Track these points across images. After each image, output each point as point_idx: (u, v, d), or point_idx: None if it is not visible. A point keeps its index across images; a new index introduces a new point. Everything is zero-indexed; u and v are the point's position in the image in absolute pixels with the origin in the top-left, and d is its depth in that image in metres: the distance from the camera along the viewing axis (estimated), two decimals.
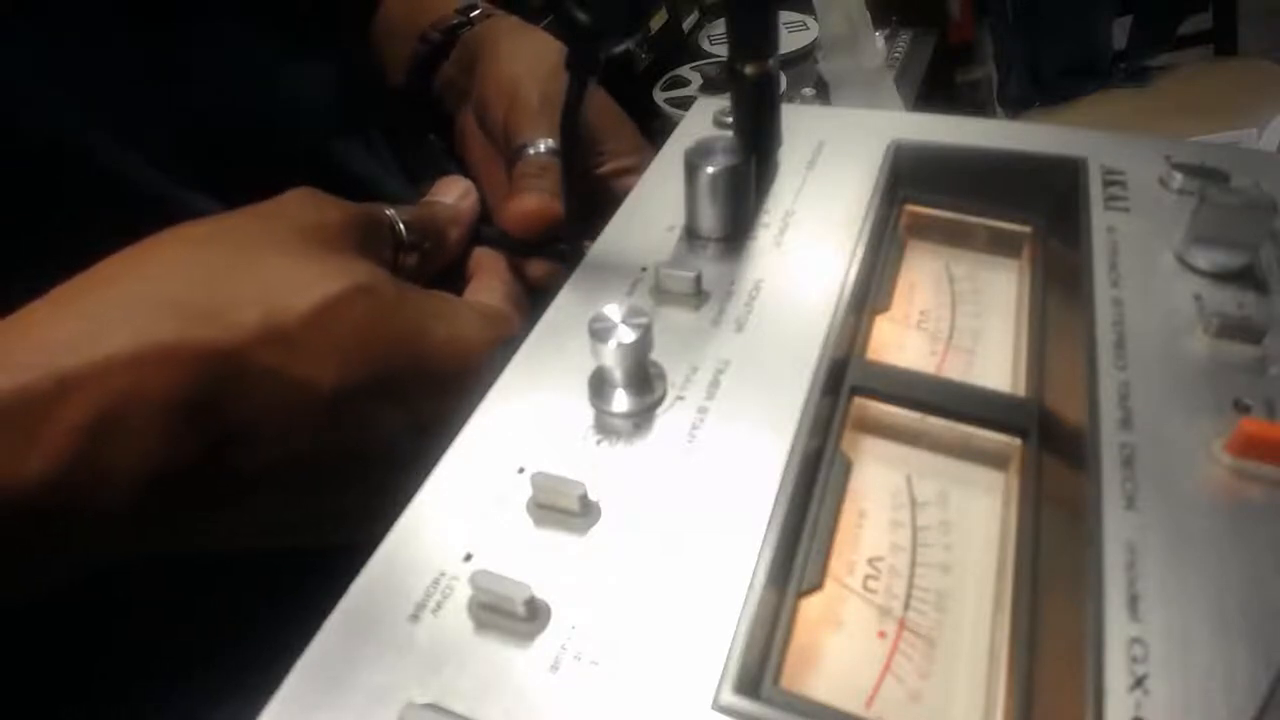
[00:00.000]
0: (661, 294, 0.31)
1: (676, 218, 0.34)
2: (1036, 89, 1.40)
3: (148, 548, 0.19)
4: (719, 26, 1.15)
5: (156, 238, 0.20)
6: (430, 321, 0.23)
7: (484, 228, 0.33)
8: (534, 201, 0.32)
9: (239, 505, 0.20)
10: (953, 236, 0.37)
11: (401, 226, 0.26)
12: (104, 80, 0.28)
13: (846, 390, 0.29)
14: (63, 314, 0.18)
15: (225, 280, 0.19)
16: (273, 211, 0.23)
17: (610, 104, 0.40)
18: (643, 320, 0.26)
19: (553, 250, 0.33)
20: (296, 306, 0.19)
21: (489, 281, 0.29)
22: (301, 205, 0.23)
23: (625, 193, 0.33)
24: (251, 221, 0.22)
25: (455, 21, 0.42)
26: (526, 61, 0.38)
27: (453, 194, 0.31)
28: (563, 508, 0.24)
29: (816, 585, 0.24)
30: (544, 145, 0.35)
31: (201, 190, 0.30)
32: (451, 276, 0.30)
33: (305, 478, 0.21)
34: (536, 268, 0.33)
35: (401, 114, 0.44)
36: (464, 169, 0.40)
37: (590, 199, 0.40)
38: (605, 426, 0.26)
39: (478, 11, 0.42)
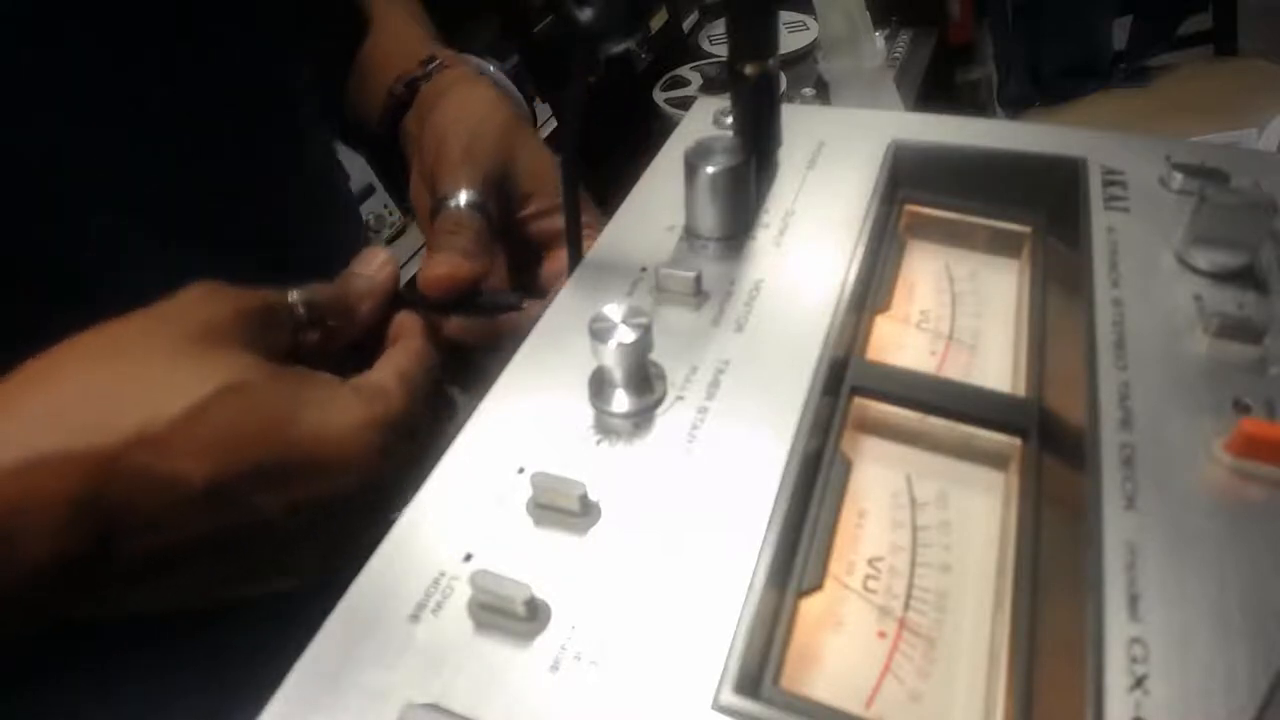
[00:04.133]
0: (661, 294, 0.31)
1: (676, 218, 0.34)
2: (1036, 89, 1.40)
3: (55, 620, 0.22)
4: (719, 26, 1.15)
5: (55, 355, 0.23)
6: (301, 410, 0.25)
7: (404, 290, 0.34)
8: (444, 266, 0.33)
9: (137, 584, 0.23)
10: (953, 236, 0.37)
11: (301, 308, 0.29)
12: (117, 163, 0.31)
13: (846, 390, 0.29)
14: None
15: (109, 391, 0.22)
16: (166, 314, 0.25)
17: (542, 151, 0.41)
18: (643, 320, 0.26)
19: (472, 305, 0.33)
20: (168, 410, 0.22)
21: (392, 353, 0.30)
22: (194, 305, 0.26)
23: (542, 237, 0.33)
24: (144, 328, 0.25)
25: (416, 74, 0.43)
26: (456, 113, 0.39)
27: (371, 266, 0.33)
28: (563, 508, 0.24)
29: (816, 585, 0.24)
30: (462, 198, 0.36)
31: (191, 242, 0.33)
32: (372, 344, 0.32)
33: (196, 557, 0.23)
34: (453, 326, 0.34)
35: (383, 158, 0.46)
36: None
37: (523, 247, 0.40)
38: (605, 426, 0.26)
39: (435, 63, 0.44)
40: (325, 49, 0.48)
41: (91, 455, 0.21)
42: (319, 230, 0.44)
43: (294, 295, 0.29)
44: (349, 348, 0.31)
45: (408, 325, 0.33)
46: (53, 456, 0.21)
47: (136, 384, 0.22)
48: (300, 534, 0.21)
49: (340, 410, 0.25)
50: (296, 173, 0.44)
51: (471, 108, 0.39)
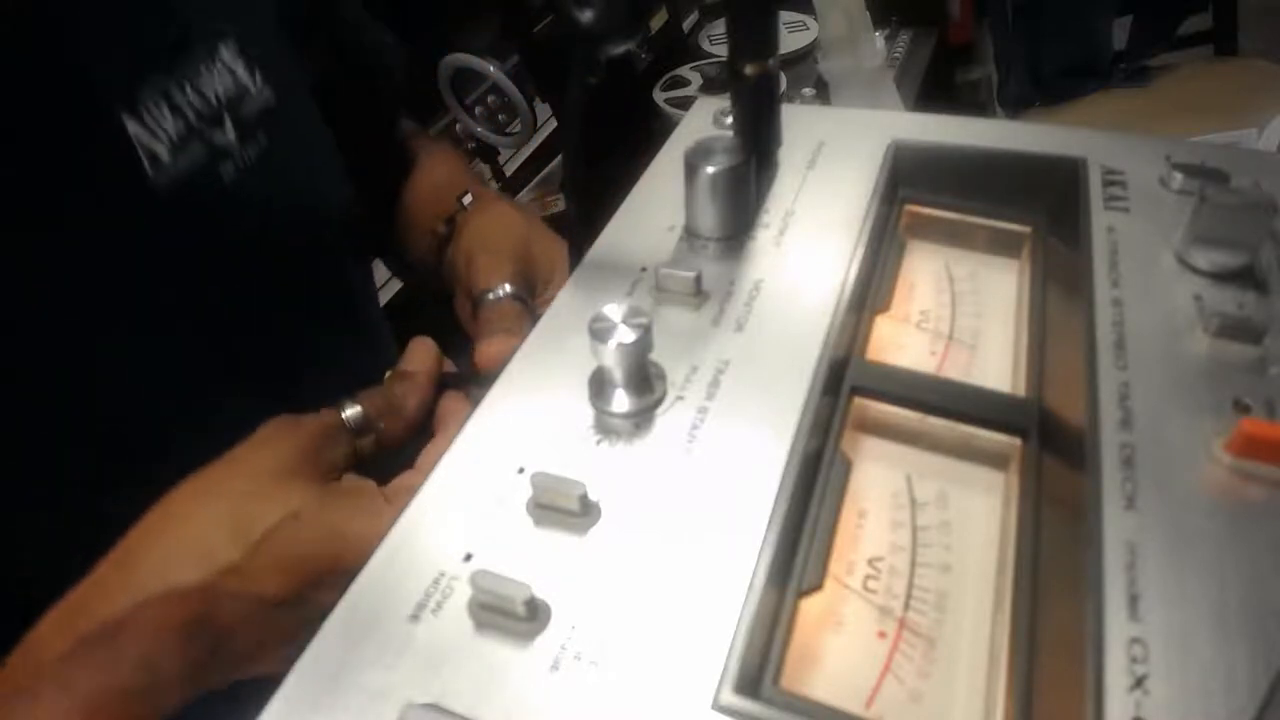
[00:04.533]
0: (661, 294, 0.31)
1: (676, 218, 0.34)
2: (1036, 89, 1.40)
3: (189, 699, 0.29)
4: (719, 26, 1.15)
5: (165, 505, 0.30)
6: (344, 526, 0.30)
7: (448, 375, 0.38)
8: (495, 344, 0.37)
9: (241, 670, 0.30)
10: (953, 236, 0.37)
11: (354, 423, 0.34)
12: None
13: (846, 390, 0.29)
14: (114, 576, 0.29)
15: (205, 534, 0.29)
16: (241, 459, 0.32)
17: (555, 240, 0.47)
18: (643, 320, 0.26)
19: None
20: (245, 543, 0.29)
21: (431, 448, 0.34)
22: (263, 447, 0.32)
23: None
24: (228, 472, 0.31)
25: (453, 211, 0.49)
26: (484, 227, 0.46)
27: (414, 361, 0.37)
28: (563, 508, 0.24)
29: (816, 585, 0.24)
30: (502, 291, 0.42)
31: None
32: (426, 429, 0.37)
33: (281, 645, 0.30)
34: None
35: (426, 282, 0.53)
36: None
37: None
38: (605, 426, 0.26)
39: (469, 197, 0.49)
40: (375, 188, 0.55)
41: (196, 589, 0.28)
42: (362, 346, 0.52)
43: (347, 412, 0.34)
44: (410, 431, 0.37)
45: (451, 409, 0.37)
46: (171, 593, 0.28)
47: (222, 526, 0.29)
48: None
49: (372, 521, 0.30)
50: (345, 307, 0.51)
51: (493, 221, 0.47)
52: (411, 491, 0.30)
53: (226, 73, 0.40)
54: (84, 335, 0.35)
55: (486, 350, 0.37)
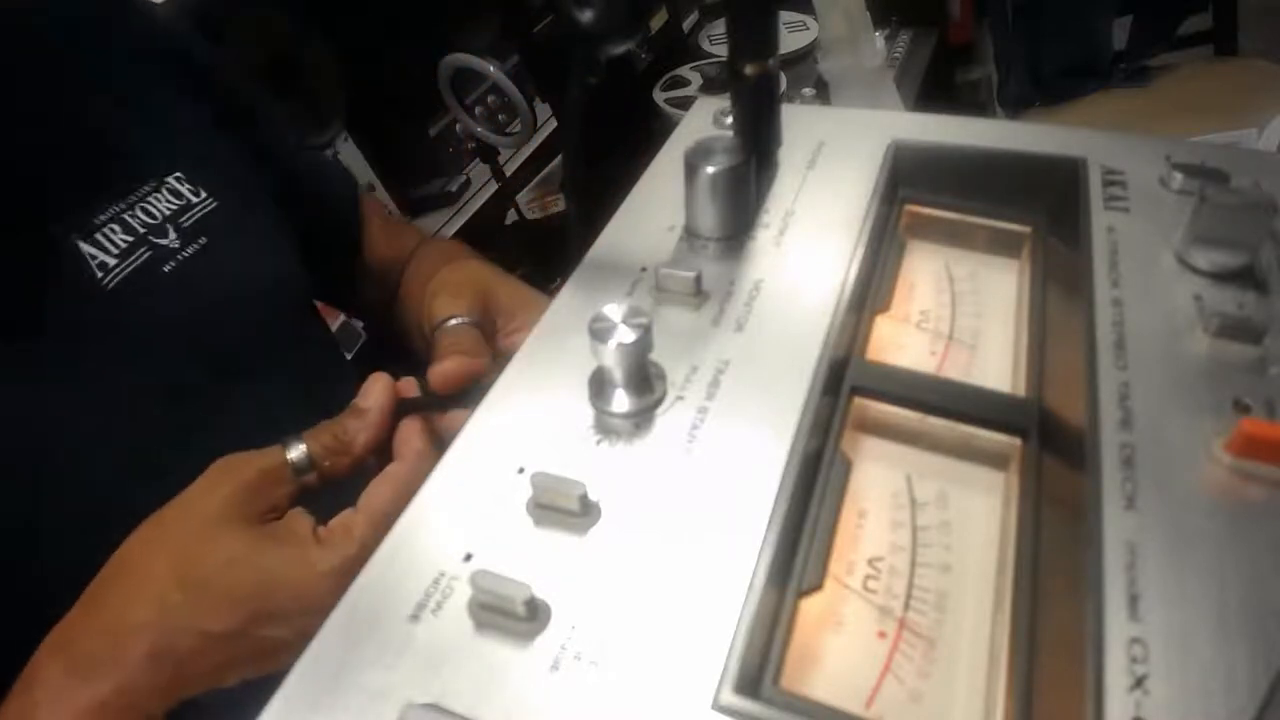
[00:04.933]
0: (661, 294, 0.31)
1: (676, 218, 0.34)
2: (1036, 89, 1.39)
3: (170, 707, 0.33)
4: (719, 26, 1.15)
5: (124, 553, 0.34)
6: (276, 571, 0.33)
7: (405, 400, 0.39)
8: (449, 363, 0.39)
9: (207, 685, 0.33)
10: (953, 236, 0.37)
11: (299, 462, 0.36)
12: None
13: (846, 390, 0.29)
14: (86, 617, 0.33)
15: (158, 576, 0.33)
16: (190, 503, 0.35)
17: (520, 284, 0.50)
18: (643, 320, 0.26)
19: (473, 399, 0.37)
20: (193, 585, 0.33)
21: (376, 484, 0.36)
22: (208, 491, 0.35)
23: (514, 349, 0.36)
24: (178, 516, 0.35)
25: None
26: (447, 274, 0.49)
27: (369, 398, 0.38)
28: (563, 508, 0.24)
29: (816, 585, 0.24)
30: (456, 320, 0.44)
31: None
32: (382, 455, 0.38)
33: (237, 668, 0.33)
34: (455, 419, 0.39)
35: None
36: None
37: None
38: (605, 426, 0.26)
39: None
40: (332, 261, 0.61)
41: (151, 625, 0.32)
42: (324, 396, 0.53)
43: (292, 453, 0.36)
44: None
45: (406, 435, 0.38)
46: (133, 628, 0.32)
47: (169, 571, 0.33)
48: (304, 642, 0.27)
49: (300, 569, 0.33)
50: (302, 362, 0.53)
51: (457, 269, 0.50)
52: (348, 531, 0.34)
53: (172, 195, 0.47)
54: (45, 411, 0.40)
55: (441, 370, 0.39)
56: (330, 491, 0.37)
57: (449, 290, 0.47)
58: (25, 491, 0.39)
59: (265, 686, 0.21)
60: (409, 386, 0.39)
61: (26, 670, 0.33)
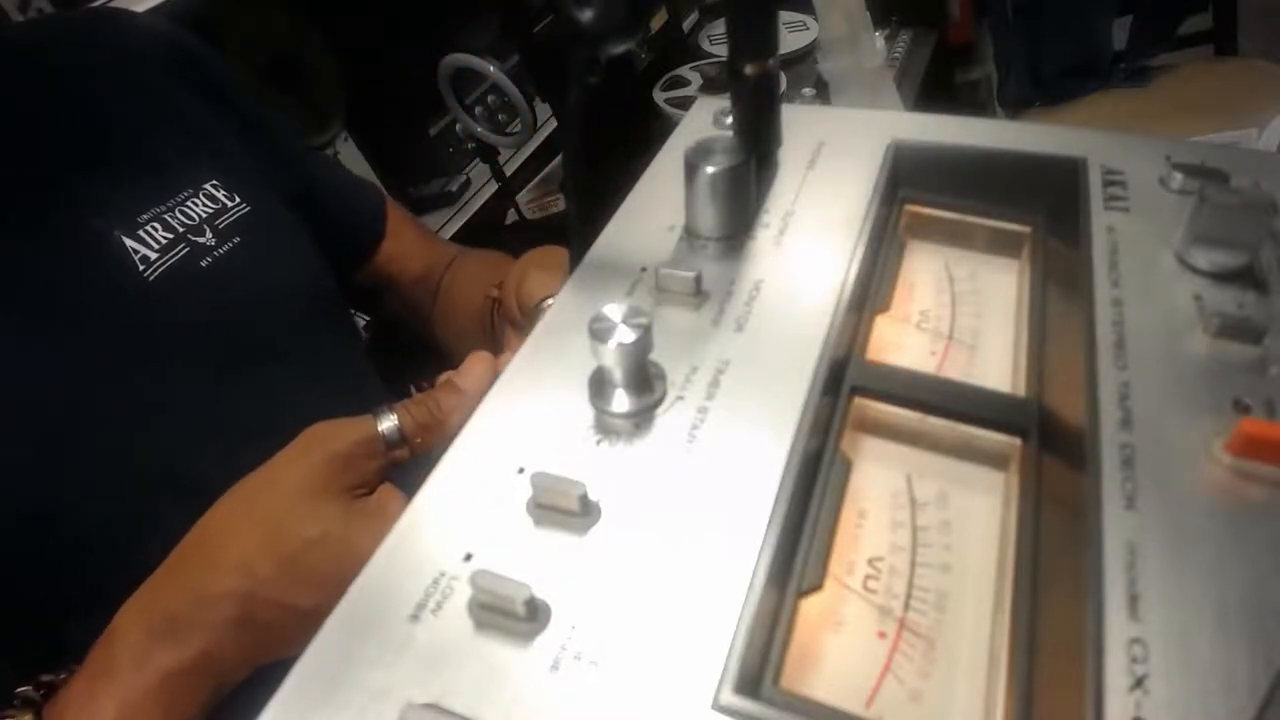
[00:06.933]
0: (661, 294, 0.31)
1: (676, 218, 0.34)
2: (1036, 89, 1.39)
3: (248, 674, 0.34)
4: (719, 26, 1.15)
5: (215, 515, 0.35)
6: (368, 547, 0.34)
7: None
8: None
9: (289, 653, 0.34)
10: (953, 236, 0.37)
11: (392, 435, 0.36)
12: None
13: (846, 390, 0.29)
14: (171, 579, 0.34)
15: (251, 544, 0.33)
16: (277, 473, 0.35)
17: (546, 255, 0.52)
18: (643, 320, 0.26)
19: None
20: (283, 556, 0.33)
21: None
22: (299, 459, 0.35)
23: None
24: (268, 480, 0.35)
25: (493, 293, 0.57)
26: (534, 255, 0.52)
27: (469, 377, 0.38)
28: (563, 508, 0.24)
29: (816, 585, 0.24)
30: (549, 301, 0.46)
31: None
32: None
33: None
34: None
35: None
36: None
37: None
38: (605, 426, 0.26)
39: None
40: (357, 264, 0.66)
41: (239, 594, 0.32)
42: (345, 390, 0.57)
43: (384, 425, 0.36)
44: None
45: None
46: (220, 596, 0.32)
47: (258, 541, 0.33)
48: None
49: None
50: (327, 358, 0.56)
51: (543, 251, 0.53)
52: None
53: (208, 200, 0.51)
54: (90, 396, 0.42)
55: None
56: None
57: (545, 272, 0.48)
58: (69, 468, 0.40)
59: (265, 686, 0.21)
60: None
61: (107, 632, 0.33)
